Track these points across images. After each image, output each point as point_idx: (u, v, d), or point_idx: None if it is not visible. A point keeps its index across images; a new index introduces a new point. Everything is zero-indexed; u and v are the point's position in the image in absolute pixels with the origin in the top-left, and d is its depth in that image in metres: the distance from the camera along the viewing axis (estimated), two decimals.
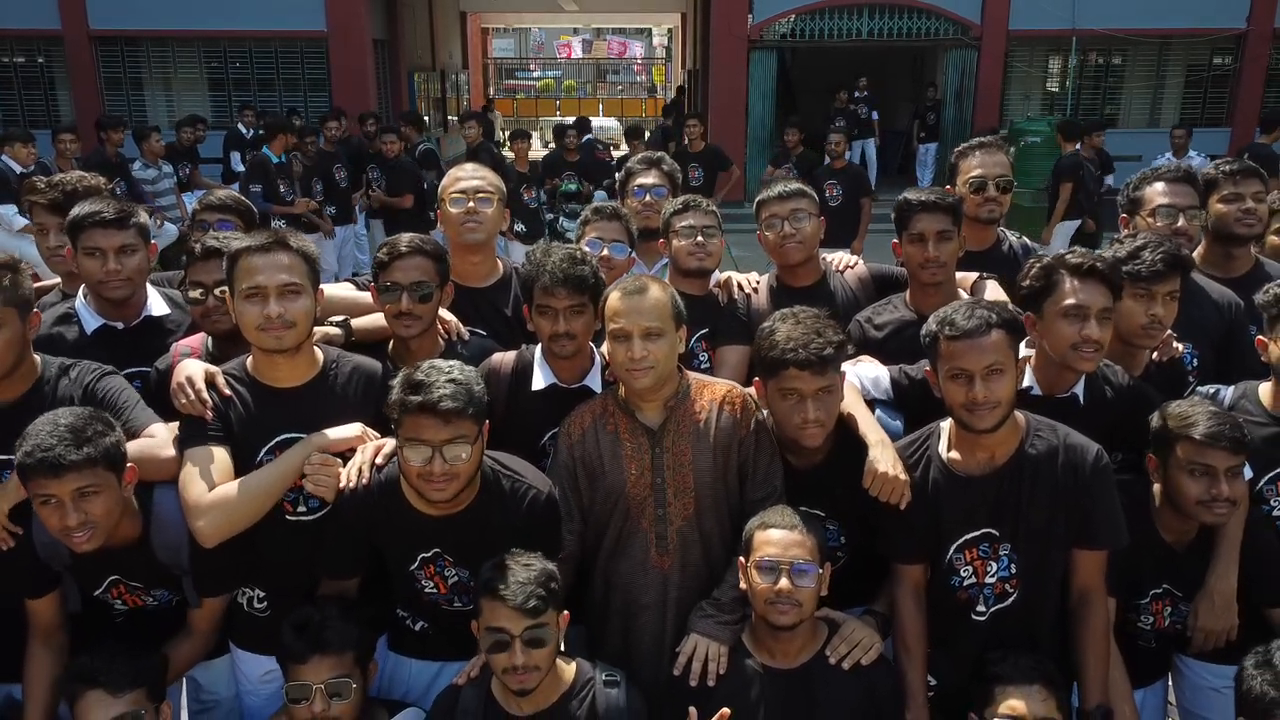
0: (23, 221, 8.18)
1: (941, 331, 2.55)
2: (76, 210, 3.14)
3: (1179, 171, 3.54)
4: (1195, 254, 3.48)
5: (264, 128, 10.58)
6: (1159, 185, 3.46)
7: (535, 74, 44.33)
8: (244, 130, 13.21)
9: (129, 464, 2.54)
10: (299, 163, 9.66)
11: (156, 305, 3.26)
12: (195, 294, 3.06)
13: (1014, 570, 2.62)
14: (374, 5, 19.28)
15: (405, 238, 3.12)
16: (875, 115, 18.13)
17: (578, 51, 47.51)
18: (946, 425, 2.69)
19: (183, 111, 16.71)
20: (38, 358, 2.81)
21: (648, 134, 18.38)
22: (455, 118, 23.83)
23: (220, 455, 2.66)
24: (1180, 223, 3.38)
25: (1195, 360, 3.29)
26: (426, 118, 11.84)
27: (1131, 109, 20.15)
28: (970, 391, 2.49)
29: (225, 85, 18.85)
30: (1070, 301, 2.70)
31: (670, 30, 37.43)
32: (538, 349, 3.06)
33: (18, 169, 8.63)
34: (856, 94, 18.00)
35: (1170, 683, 3.11)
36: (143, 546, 2.65)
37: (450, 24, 27.47)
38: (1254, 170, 3.54)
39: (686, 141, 11.15)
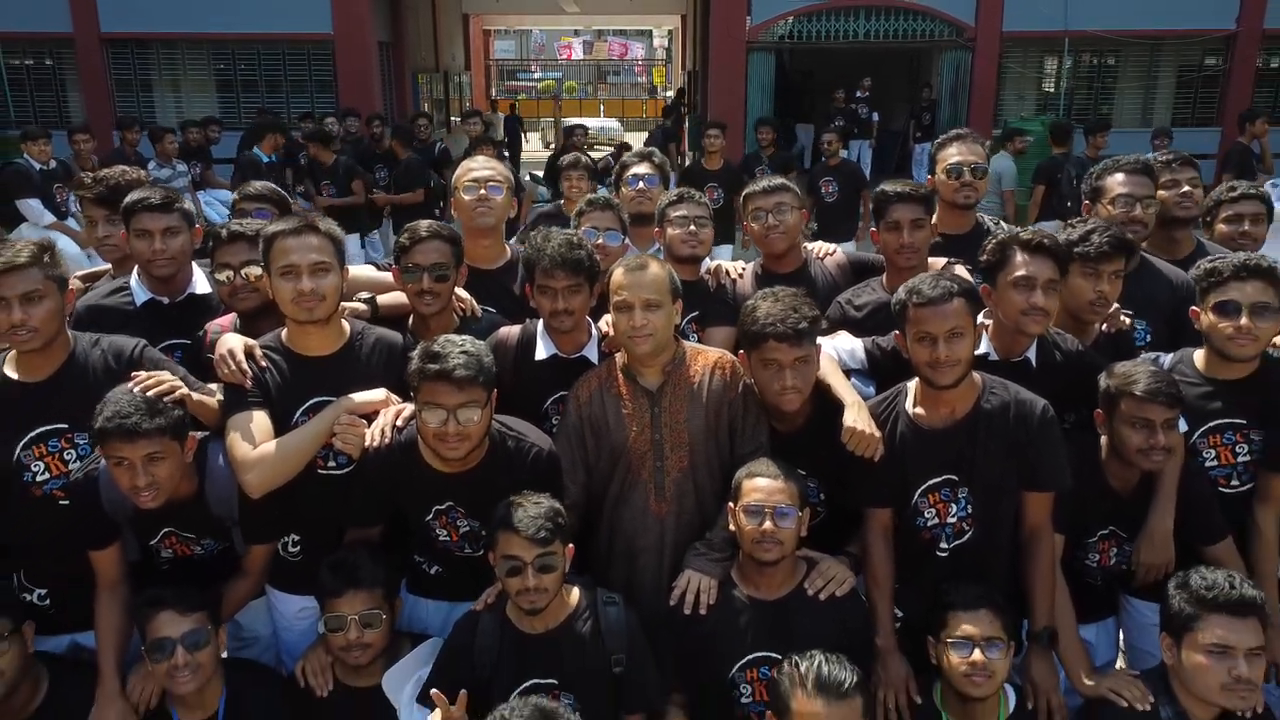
0: (50, 217, 8.52)
1: (910, 299, 2.87)
2: (129, 198, 3.46)
3: (1138, 164, 3.86)
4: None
5: (253, 128, 10.91)
6: (1119, 176, 3.76)
7: (536, 75, 44.63)
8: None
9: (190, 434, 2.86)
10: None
11: (200, 284, 3.58)
12: (223, 275, 3.36)
13: (971, 511, 2.93)
14: (378, 8, 19.55)
15: (424, 224, 3.45)
16: (875, 116, 18.44)
17: (578, 53, 47.79)
18: (913, 385, 3.00)
19: (191, 112, 17.06)
20: (70, 334, 3.11)
21: (648, 134, 18.73)
22: (457, 118, 24.21)
23: (261, 418, 2.97)
24: (1136, 211, 3.69)
25: (1149, 335, 3.62)
26: (424, 121, 12.06)
27: (1124, 109, 20.41)
28: (934, 352, 2.80)
29: (233, 87, 19.16)
30: (1020, 273, 3.02)
31: (671, 32, 37.72)
32: (540, 324, 3.37)
33: (38, 166, 8.97)
34: (858, 94, 18.28)
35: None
36: (197, 502, 2.97)
37: (453, 26, 27.77)
38: (1188, 160, 3.92)
39: (702, 157, 10.04)
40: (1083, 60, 20.25)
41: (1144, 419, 2.89)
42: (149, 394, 2.76)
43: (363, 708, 3.00)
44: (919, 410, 2.97)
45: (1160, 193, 3.83)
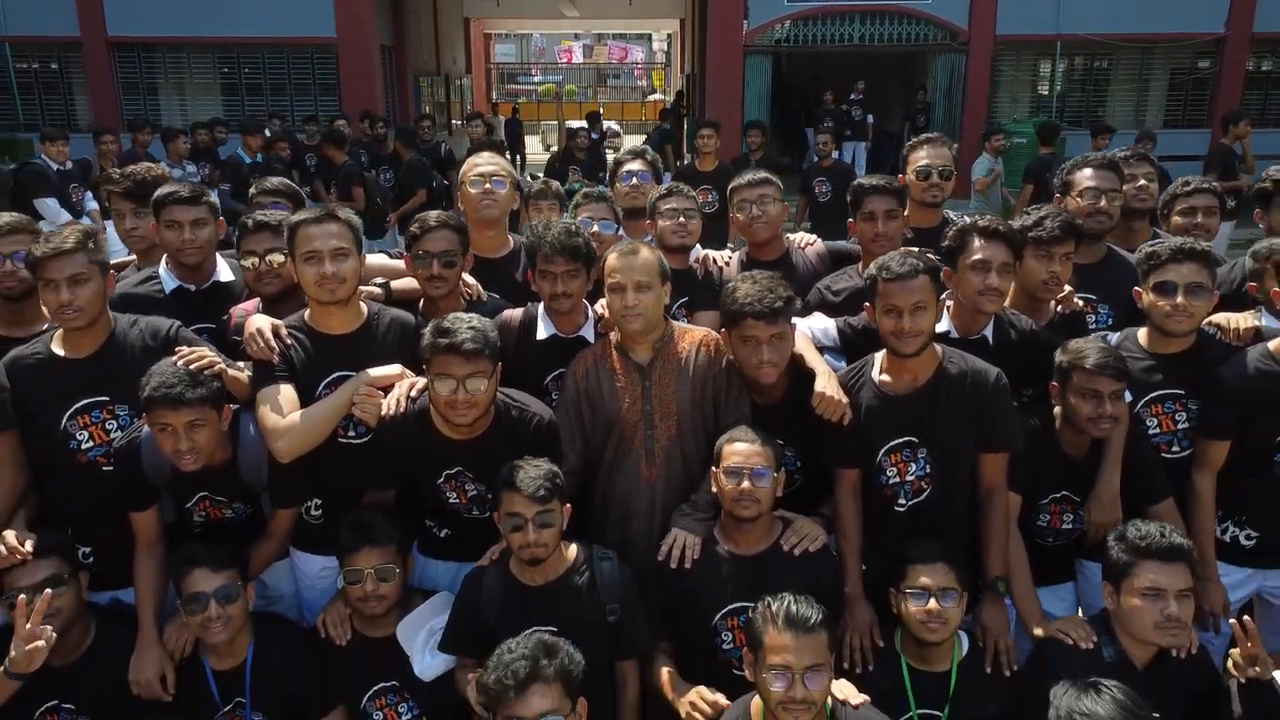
0: (66, 216, 8.80)
1: (880, 275, 3.16)
2: (160, 191, 3.76)
3: (1105, 160, 4.16)
4: None
5: (240, 129, 11.29)
6: (1087, 171, 4.05)
7: (537, 79, 44.92)
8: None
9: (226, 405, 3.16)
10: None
11: (224, 273, 3.87)
12: (248, 262, 3.65)
13: (929, 470, 3.22)
14: (380, 12, 19.82)
15: (434, 215, 3.74)
16: (870, 119, 18.72)
17: (578, 56, 48.12)
18: (880, 355, 3.29)
19: (196, 115, 17.32)
20: (111, 314, 3.39)
21: (646, 136, 19.04)
22: (459, 121, 24.56)
23: (288, 391, 3.25)
24: (1102, 203, 3.98)
25: (1111, 319, 3.91)
26: (427, 123, 12.36)
27: (1117, 111, 20.68)
28: (899, 323, 3.10)
29: (238, 90, 19.45)
30: (977, 256, 3.31)
31: (670, 35, 37.99)
32: (541, 306, 3.66)
33: (54, 166, 9.26)
34: (853, 96, 18.55)
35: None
36: (230, 468, 3.25)
37: (454, 30, 28.04)
38: (1144, 157, 4.31)
39: (695, 158, 9.83)
40: (1076, 63, 20.55)
41: (1093, 390, 3.17)
42: (191, 367, 3.05)
43: (378, 656, 3.28)
44: (884, 378, 3.26)
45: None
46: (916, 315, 3.09)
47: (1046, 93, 20.45)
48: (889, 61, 20.36)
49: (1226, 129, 11.16)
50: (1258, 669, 2.97)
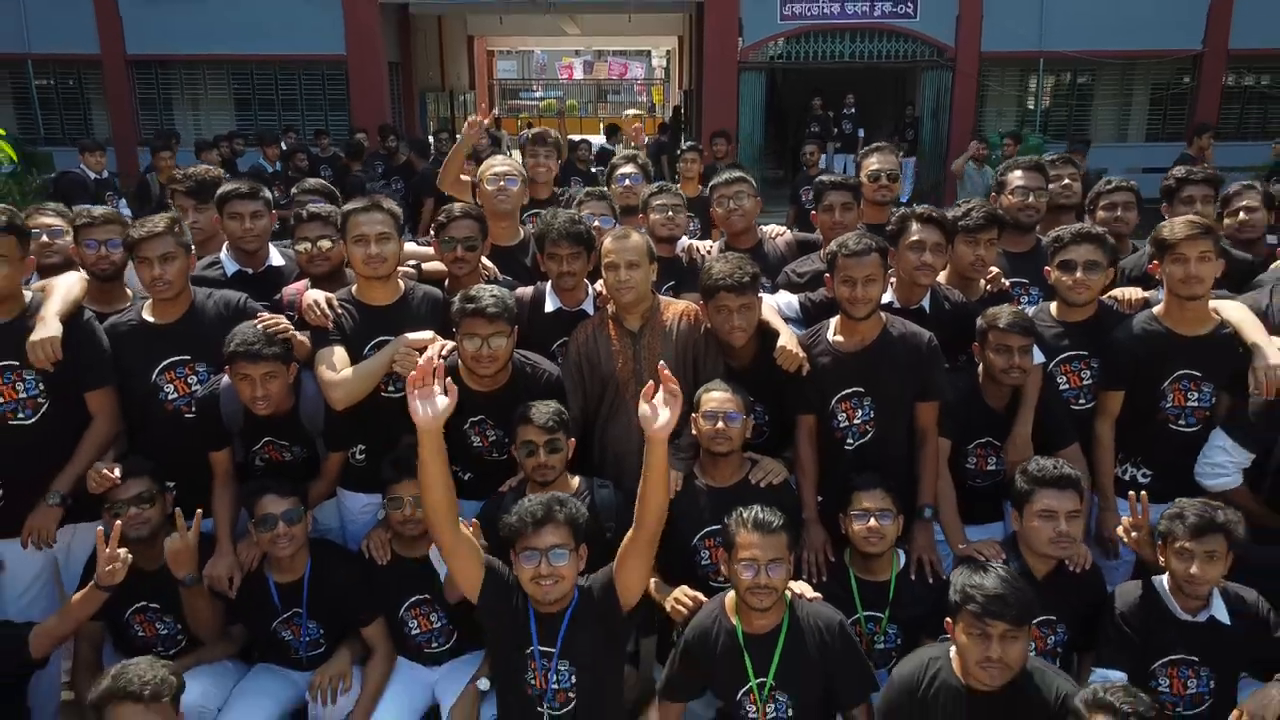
0: None
1: (839, 251, 3.81)
2: (224, 188, 4.44)
3: (1032, 163, 4.82)
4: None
5: (258, 139, 12.00)
6: (1017, 172, 4.71)
7: (538, 94, 45.67)
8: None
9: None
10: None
11: (276, 258, 4.53)
12: (302, 246, 4.30)
13: (872, 415, 3.87)
14: (388, 30, 20.49)
15: (458, 206, 4.40)
16: (861, 133, 19.40)
17: (579, 73, 48.89)
18: (834, 320, 3.95)
19: (210, 130, 18.07)
20: (191, 288, 4.04)
21: (644, 148, 19.73)
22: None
23: (340, 351, 3.89)
24: (1030, 199, 4.63)
25: (1041, 298, 4.54)
26: (444, 135, 13.07)
27: (1101, 125, 21.36)
28: (853, 291, 3.74)
29: (251, 105, 20.16)
30: (915, 238, 3.98)
31: (669, 52, 38.67)
32: (548, 284, 4.31)
33: (91, 175, 9.95)
34: (845, 111, 19.20)
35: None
36: (293, 416, 3.90)
37: (458, 47, 28.76)
38: (1069, 159, 5.02)
39: (679, 182, 9.60)
40: (1060, 79, 21.25)
41: (1005, 345, 3.82)
42: (267, 330, 3.70)
43: (413, 574, 3.89)
44: (838, 338, 3.91)
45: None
46: (868, 285, 3.74)
47: (1032, 107, 21.12)
48: (880, 78, 21.04)
49: (1191, 140, 11.86)
50: (1136, 535, 3.61)
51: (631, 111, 36.18)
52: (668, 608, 3.61)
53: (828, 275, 3.91)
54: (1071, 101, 21.29)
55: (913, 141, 19.37)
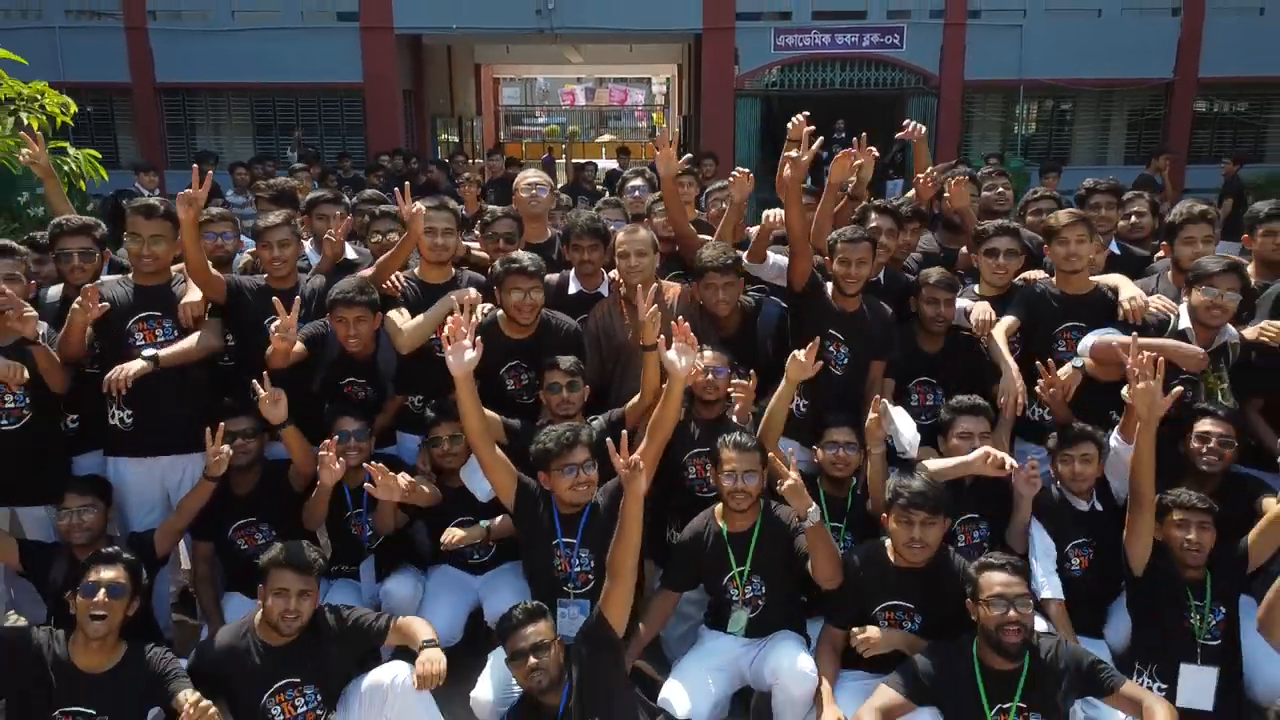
0: None
1: (839, 238, 4.74)
2: (310, 195, 5.47)
3: (965, 174, 5.83)
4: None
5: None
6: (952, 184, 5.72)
7: (541, 120, 46.78)
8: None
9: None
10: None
11: (349, 253, 5.52)
12: (375, 239, 5.29)
13: (846, 360, 4.79)
14: (402, 60, 21.61)
15: (500, 209, 5.40)
16: None
17: (580, 99, 50.01)
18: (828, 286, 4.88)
19: (233, 153, 19.09)
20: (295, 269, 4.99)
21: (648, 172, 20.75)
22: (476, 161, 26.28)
23: (406, 312, 4.83)
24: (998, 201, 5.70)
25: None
26: (463, 158, 14.12)
27: (1080, 148, 22.42)
28: (848, 271, 4.68)
29: (272, 130, 21.25)
30: (872, 225, 4.98)
31: (668, 79, 39.66)
32: (572, 271, 5.27)
33: (145, 193, 10.94)
34: (835, 135, 20.16)
35: None
36: (372, 359, 4.83)
37: (466, 75, 29.92)
38: (1002, 172, 6.02)
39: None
40: (1042, 105, 22.33)
41: (934, 298, 4.79)
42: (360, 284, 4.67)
43: (452, 496, 4.73)
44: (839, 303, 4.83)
45: (984, 194, 5.83)
46: (860, 267, 4.68)
47: (1015, 132, 22.17)
48: (871, 104, 22.11)
49: (1149, 162, 12.94)
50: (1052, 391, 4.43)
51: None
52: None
53: (827, 258, 4.83)
54: (1052, 126, 22.40)
55: (900, 164, 20.34)
